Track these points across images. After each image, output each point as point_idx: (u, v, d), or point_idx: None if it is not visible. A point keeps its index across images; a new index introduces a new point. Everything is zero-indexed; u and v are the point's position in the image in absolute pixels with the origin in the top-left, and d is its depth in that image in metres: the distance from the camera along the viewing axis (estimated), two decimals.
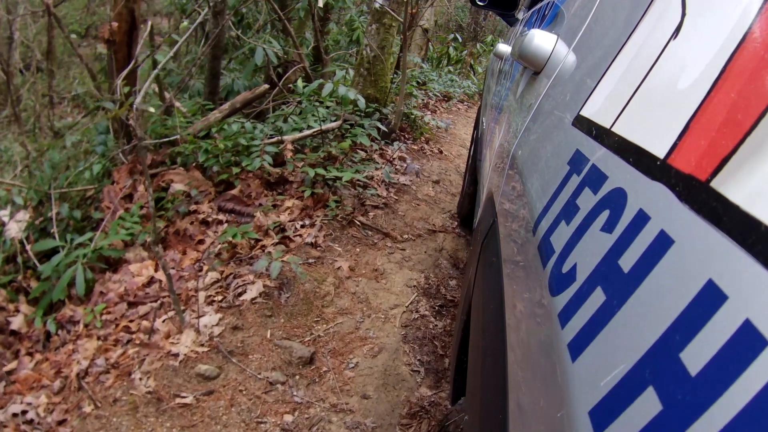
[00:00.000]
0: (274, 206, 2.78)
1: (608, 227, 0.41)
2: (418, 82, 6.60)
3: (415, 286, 2.35)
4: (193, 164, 2.91)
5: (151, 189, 1.87)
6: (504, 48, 2.11)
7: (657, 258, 0.33)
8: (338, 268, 2.36)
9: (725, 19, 0.39)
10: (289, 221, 2.64)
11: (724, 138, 0.32)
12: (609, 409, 0.32)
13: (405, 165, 3.77)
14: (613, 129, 0.47)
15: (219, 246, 2.39)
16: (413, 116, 4.58)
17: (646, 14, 0.55)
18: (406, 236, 2.83)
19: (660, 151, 0.38)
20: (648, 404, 0.29)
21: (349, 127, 3.39)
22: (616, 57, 0.56)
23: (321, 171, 2.81)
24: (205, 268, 2.29)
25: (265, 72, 4.31)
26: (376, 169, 3.39)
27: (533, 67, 0.93)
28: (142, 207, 2.67)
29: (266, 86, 3.32)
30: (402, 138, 4.35)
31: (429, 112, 5.90)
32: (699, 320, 0.27)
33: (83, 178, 2.95)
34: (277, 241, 2.47)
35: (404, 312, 2.17)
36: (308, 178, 2.81)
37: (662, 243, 0.33)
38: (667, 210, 0.34)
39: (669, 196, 0.34)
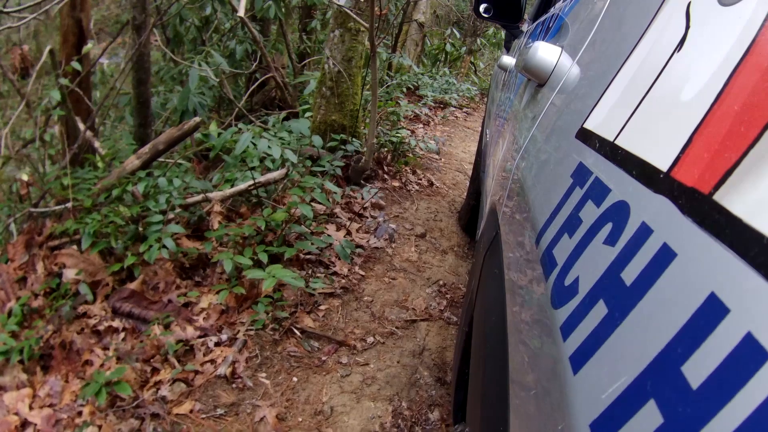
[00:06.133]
0: (186, 305, 2.01)
1: (611, 240, 0.41)
2: (409, 88, 6.02)
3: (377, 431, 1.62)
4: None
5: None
6: (508, 60, 2.13)
7: (659, 271, 0.33)
8: (261, 419, 1.60)
9: (729, 32, 0.39)
10: (200, 336, 1.89)
11: (727, 151, 0.32)
12: (610, 422, 0.32)
13: (377, 222, 2.81)
14: (616, 142, 0.48)
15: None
16: (395, 141, 3.70)
17: (650, 27, 0.55)
18: (371, 339, 1.99)
19: (663, 163, 0.38)
20: (649, 417, 0.29)
21: (307, 165, 2.70)
22: (620, 69, 0.57)
23: (243, 259, 2.01)
24: (86, 410, 1.62)
25: (244, 83, 3.75)
26: (336, 229, 2.57)
27: (537, 79, 0.94)
28: (37, 295, 2.02)
29: (197, 119, 2.61)
30: (378, 173, 3.42)
31: (421, 125, 5.28)
32: (701, 333, 0.27)
33: None
34: (177, 375, 1.73)
35: None
36: (231, 270, 1.99)
37: (665, 256, 0.33)
38: (669, 223, 0.34)
39: (672, 209, 0.34)
